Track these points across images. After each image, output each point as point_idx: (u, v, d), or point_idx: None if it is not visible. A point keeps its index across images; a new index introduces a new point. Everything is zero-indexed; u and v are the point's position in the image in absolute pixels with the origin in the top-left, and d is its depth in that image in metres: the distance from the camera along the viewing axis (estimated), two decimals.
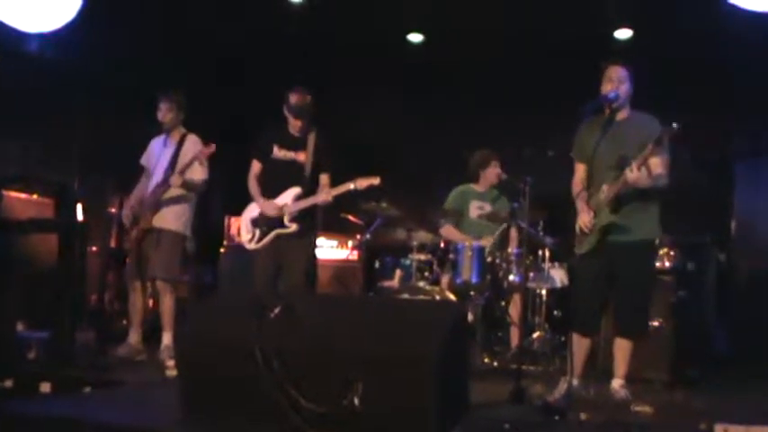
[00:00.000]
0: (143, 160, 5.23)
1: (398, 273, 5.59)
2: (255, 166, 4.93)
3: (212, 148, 4.83)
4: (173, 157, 4.97)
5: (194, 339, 2.95)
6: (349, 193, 4.67)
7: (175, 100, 5.03)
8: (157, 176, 5.00)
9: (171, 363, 4.34)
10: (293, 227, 4.73)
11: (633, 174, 3.72)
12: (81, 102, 5.88)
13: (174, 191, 4.92)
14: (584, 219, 3.94)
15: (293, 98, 4.81)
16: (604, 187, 3.91)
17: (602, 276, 3.93)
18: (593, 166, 3.98)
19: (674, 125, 3.58)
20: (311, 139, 4.85)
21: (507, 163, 5.55)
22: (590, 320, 4.00)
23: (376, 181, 4.61)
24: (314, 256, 4.94)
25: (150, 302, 5.18)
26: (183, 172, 4.89)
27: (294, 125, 4.84)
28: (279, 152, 4.85)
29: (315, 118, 4.90)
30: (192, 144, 5.01)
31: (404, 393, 2.54)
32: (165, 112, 5.02)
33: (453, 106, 7.04)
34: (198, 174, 4.96)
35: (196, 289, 6.31)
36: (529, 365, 4.91)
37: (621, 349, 3.97)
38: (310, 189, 4.81)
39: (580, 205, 3.99)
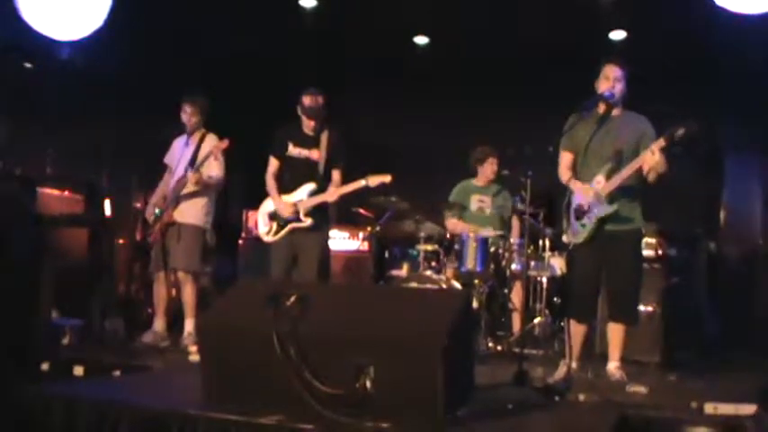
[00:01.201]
0: (166, 159, 5.22)
1: (407, 263, 5.57)
2: (273, 164, 4.90)
3: (226, 143, 4.80)
4: (193, 156, 4.97)
5: (215, 326, 2.94)
6: (361, 188, 4.67)
7: (200, 104, 5.00)
8: (178, 173, 5.00)
9: (194, 348, 4.31)
10: (308, 221, 4.71)
11: (655, 156, 3.66)
12: (109, 104, 5.89)
13: (192, 186, 4.90)
14: (589, 191, 3.84)
15: (306, 100, 4.78)
16: (599, 178, 3.87)
17: (597, 265, 3.90)
18: (585, 157, 3.94)
19: (693, 124, 3.57)
20: (324, 137, 4.82)
21: (510, 159, 5.57)
22: (586, 307, 3.98)
23: (387, 179, 4.60)
24: (327, 248, 4.91)
25: (173, 292, 5.06)
26: (198, 168, 4.88)
27: (308, 125, 4.82)
28: (294, 150, 4.83)
29: (327, 117, 4.88)
30: (210, 142, 5.00)
31: (413, 377, 2.54)
32: (189, 116, 5.01)
33: (458, 106, 7.02)
34: (214, 169, 4.94)
35: (216, 279, 6.30)
36: (530, 349, 4.90)
37: (615, 334, 3.95)
38: (324, 185, 4.80)
39: (577, 186, 3.93)
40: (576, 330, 3.98)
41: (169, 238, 4.91)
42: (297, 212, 4.74)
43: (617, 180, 3.82)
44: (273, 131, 4.94)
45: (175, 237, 4.89)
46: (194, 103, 5.02)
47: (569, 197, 4.00)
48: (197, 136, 5.07)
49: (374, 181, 4.61)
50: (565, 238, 4.06)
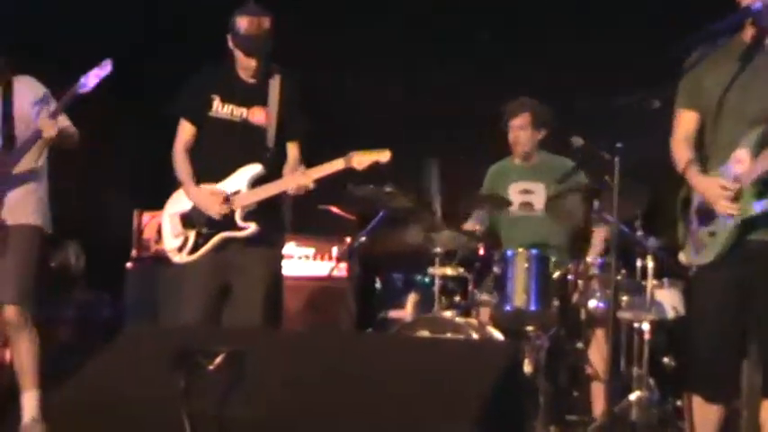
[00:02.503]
0: None
1: (412, 297, 5.72)
2: (185, 131, 4.94)
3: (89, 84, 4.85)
4: (2, 112, 5.01)
5: (83, 407, 3.06)
6: (339, 174, 4.69)
7: None
8: None
9: None
10: (250, 228, 4.72)
11: None
12: None
13: (27, 163, 4.97)
14: (721, 201, 3.82)
15: (243, 23, 4.75)
16: (741, 154, 3.85)
17: (738, 300, 3.89)
18: (719, 117, 3.96)
19: None
20: (274, 86, 4.87)
21: (582, 118, 5.69)
22: (722, 375, 3.97)
23: (384, 157, 4.61)
24: (279, 272, 4.98)
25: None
26: (55, 115, 4.87)
27: (246, 66, 4.82)
28: (222, 109, 4.87)
29: (279, 55, 4.85)
30: (28, 85, 5.08)
31: None
32: None
33: (501, 37, 7.28)
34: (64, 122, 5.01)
35: (85, 327, 6.32)
36: None
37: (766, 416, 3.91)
38: (275, 167, 4.80)
39: (700, 183, 3.95)
40: (705, 415, 3.97)
41: None
42: (230, 213, 4.73)
43: (763, 161, 3.78)
44: (186, 77, 4.97)
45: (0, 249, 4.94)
46: None
47: (687, 190, 4.05)
48: None
49: (362, 161, 4.61)
50: (682, 258, 4.08)
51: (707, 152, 4.01)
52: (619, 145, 3.95)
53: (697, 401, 3.96)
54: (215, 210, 4.72)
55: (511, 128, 5.81)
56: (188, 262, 4.83)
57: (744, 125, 3.88)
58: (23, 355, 4.92)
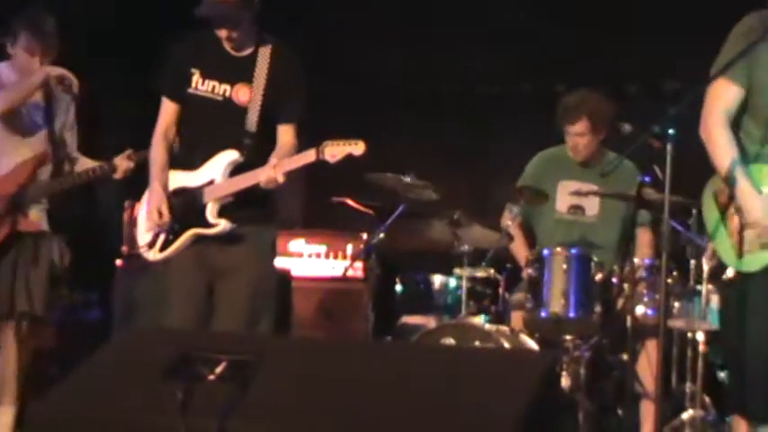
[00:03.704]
0: None
1: (437, 301, 5.74)
2: (166, 111, 4.78)
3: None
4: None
5: (67, 421, 3.00)
6: (311, 164, 4.52)
7: None
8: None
9: None
10: (220, 226, 4.54)
11: None
12: None
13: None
14: (754, 223, 3.76)
15: None
16: None
17: None
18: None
19: None
20: (262, 61, 4.67)
21: (633, 103, 5.70)
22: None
23: (358, 149, 4.39)
24: (269, 275, 4.82)
25: None
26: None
27: (220, 35, 4.62)
28: (202, 84, 4.68)
29: (267, 20, 4.70)
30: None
31: None
32: None
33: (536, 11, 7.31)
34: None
35: (70, 331, 6.37)
36: None
37: None
38: (258, 155, 4.58)
39: (746, 194, 3.81)
40: None
41: (21, 264, 5.04)
42: (201, 207, 4.61)
43: None
44: (170, 50, 4.87)
45: (29, 258, 5.03)
46: None
47: (724, 185, 3.93)
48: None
49: (334, 152, 4.40)
50: (714, 261, 4.32)
51: (748, 141, 3.88)
52: (671, 131, 3.74)
53: (740, 423, 3.91)
54: (152, 219, 4.63)
55: (567, 133, 5.61)
56: (160, 260, 4.70)
57: None
58: (11, 365, 4.95)
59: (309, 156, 4.44)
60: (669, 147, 3.77)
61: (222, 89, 4.65)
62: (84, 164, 5.30)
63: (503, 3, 7.41)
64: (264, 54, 4.68)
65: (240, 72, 4.66)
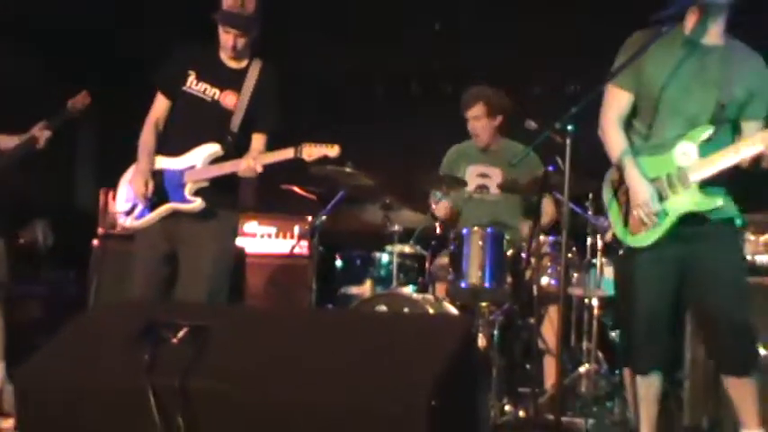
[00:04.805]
0: None
1: (370, 274, 5.79)
2: (159, 103, 4.92)
3: None
4: None
5: (48, 385, 2.99)
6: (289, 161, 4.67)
7: None
8: None
9: (7, 424, 4.36)
10: (196, 203, 4.71)
11: None
12: None
13: None
14: (643, 204, 3.90)
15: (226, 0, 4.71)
16: (688, 147, 3.88)
17: (673, 280, 3.96)
18: (656, 111, 3.97)
19: None
20: (252, 75, 4.85)
21: (538, 101, 5.80)
22: (655, 349, 4.00)
23: (333, 152, 4.60)
24: (230, 247, 4.92)
25: None
26: None
27: (224, 44, 4.78)
28: (197, 85, 4.83)
29: (262, 44, 4.88)
30: None
31: None
32: None
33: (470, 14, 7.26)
34: None
35: (53, 305, 6.33)
36: (573, 416, 4.95)
37: (739, 391, 3.92)
38: (235, 150, 4.77)
39: (633, 176, 3.96)
40: (646, 388, 4.04)
41: None
42: (182, 186, 4.74)
43: (720, 163, 3.82)
44: (172, 51, 4.96)
45: None
46: None
47: (618, 174, 4.08)
48: None
49: (311, 153, 4.61)
50: (610, 237, 4.17)
51: (635, 136, 4.02)
52: (570, 128, 3.85)
53: (632, 375, 4.05)
54: (136, 189, 4.71)
55: (468, 120, 5.88)
56: (133, 227, 4.81)
57: (682, 122, 3.90)
58: None
59: (288, 153, 4.59)
60: (568, 141, 3.87)
61: (213, 92, 4.77)
62: (4, 141, 5.26)
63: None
64: (255, 69, 4.81)
65: (231, 81, 4.78)
